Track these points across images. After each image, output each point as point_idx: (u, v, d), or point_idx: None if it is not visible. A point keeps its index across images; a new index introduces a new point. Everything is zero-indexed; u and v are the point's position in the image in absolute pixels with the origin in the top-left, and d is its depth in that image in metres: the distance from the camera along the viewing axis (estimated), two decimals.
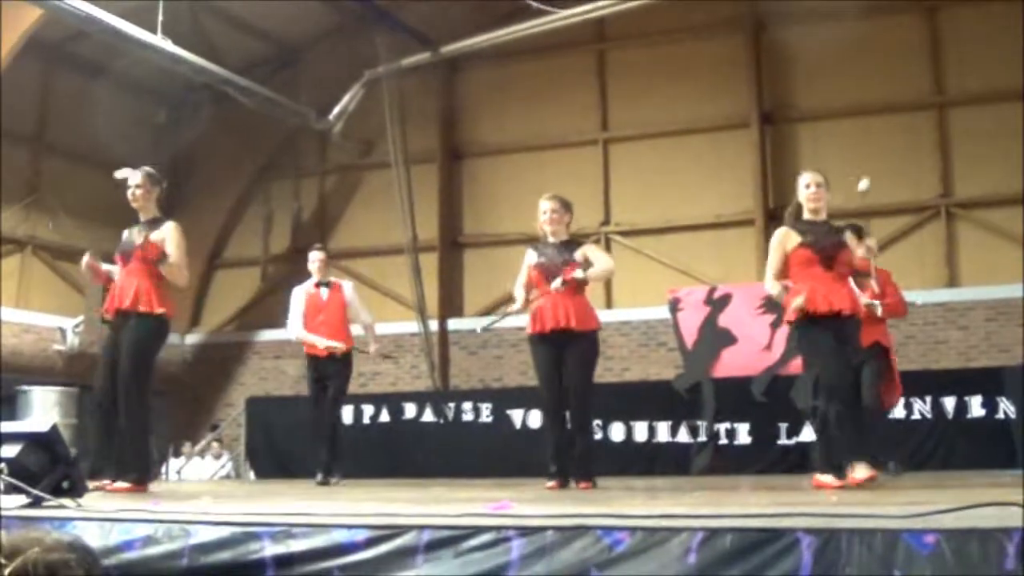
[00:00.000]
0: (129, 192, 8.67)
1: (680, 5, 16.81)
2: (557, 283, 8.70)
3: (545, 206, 9.22)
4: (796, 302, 7.73)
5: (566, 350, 8.86)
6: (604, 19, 18.00)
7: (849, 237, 8.38)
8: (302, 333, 11.37)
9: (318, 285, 11.36)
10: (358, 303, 11.50)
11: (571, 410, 8.91)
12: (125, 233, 8.74)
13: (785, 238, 8.12)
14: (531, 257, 9.19)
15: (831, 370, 7.71)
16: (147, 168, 8.89)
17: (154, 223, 8.57)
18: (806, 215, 8.25)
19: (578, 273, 8.75)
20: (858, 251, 9.66)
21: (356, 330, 11.67)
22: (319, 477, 10.93)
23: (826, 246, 7.98)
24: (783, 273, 8.12)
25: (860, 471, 7.34)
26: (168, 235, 8.44)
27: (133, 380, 8.24)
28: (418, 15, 18.64)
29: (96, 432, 9.10)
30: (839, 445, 7.61)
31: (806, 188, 8.38)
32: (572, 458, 8.84)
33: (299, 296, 11.43)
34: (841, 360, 7.74)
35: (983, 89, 17.03)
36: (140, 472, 8.21)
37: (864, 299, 9.53)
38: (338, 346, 11.11)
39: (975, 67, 17.10)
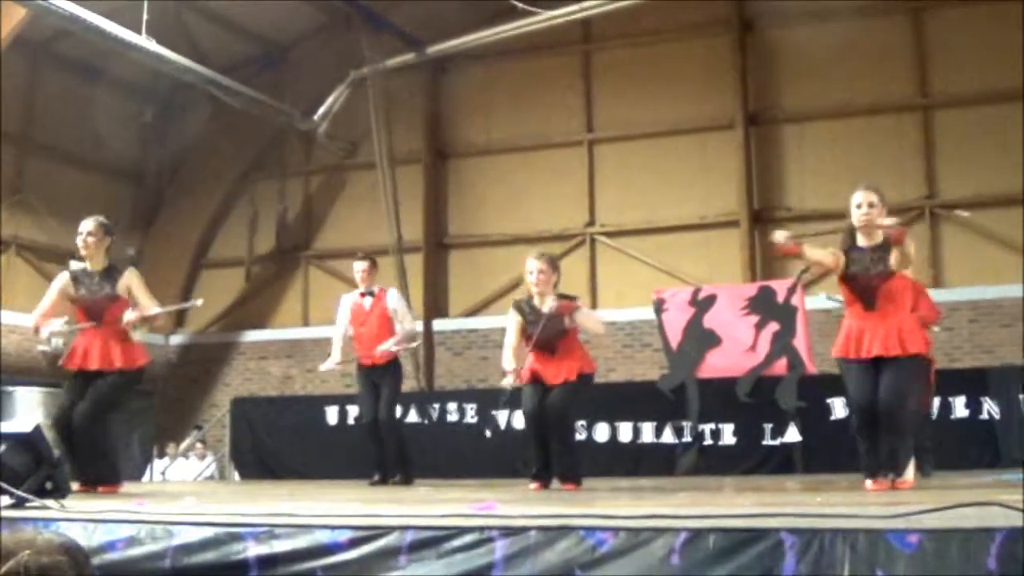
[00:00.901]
0: (80, 239, 8.61)
1: (666, 6, 16.83)
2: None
3: (532, 266, 9.04)
4: (834, 348, 7.59)
5: (552, 389, 8.94)
6: (590, 20, 18.01)
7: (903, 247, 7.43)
8: (335, 352, 11.48)
9: (363, 295, 11.28)
10: (402, 309, 11.33)
11: (550, 427, 8.90)
12: (67, 276, 8.69)
13: (836, 263, 7.70)
14: (515, 317, 9.10)
15: (856, 396, 7.41)
16: (99, 217, 8.86)
17: (109, 273, 8.58)
18: (858, 239, 7.66)
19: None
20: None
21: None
22: (375, 477, 10.89)
23: (868, 285, 7.47)
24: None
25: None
26: (134, 284, 8.53)
27: (92, 421, 8.33)
28: (404, 15, 18.63)
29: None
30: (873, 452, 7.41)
31: (857, 208, 7.68)
32: (553, 459, 8.88)
33: (345, 305, 11.39)
34: (869, 387, 7.31)
35: (968, 91, 17.07)
36: (107, 480, 8.32)
37: None
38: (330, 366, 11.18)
39: (960, 69, 17.15)
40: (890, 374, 7.27)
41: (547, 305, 8.82)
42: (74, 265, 8.87)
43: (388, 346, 10.92)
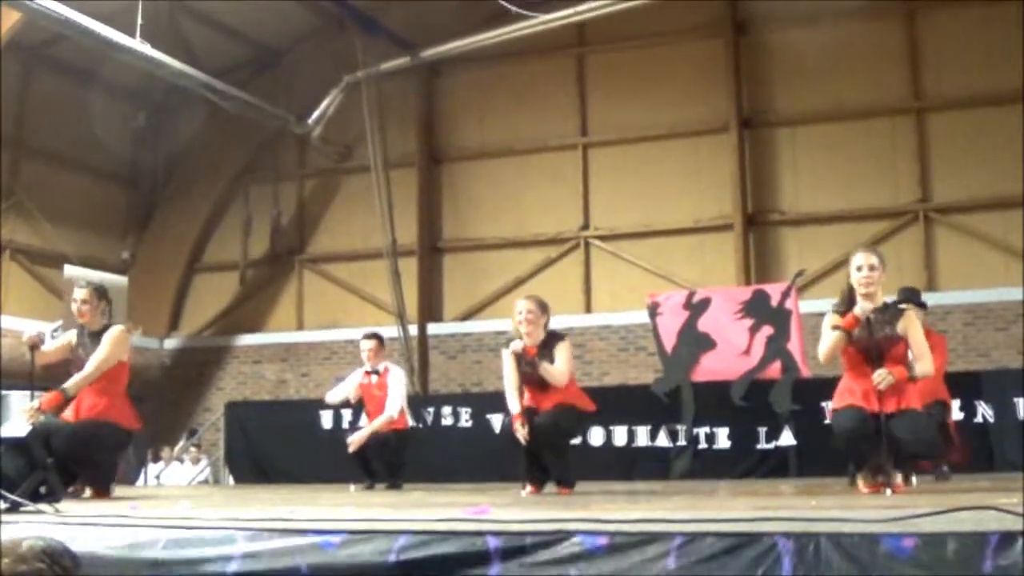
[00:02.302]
0: (75, 306, 8.70)
1: (659, 9, 16.82)
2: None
3: (521, 307, 9.03)
4: (837, 411, 7.44)
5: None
6: (584, 23, 18.00)
7: (909, 315, 7.47)
8: (333, 399, 11.92)
9: (368, 373, 11.40)
10: (395, 392, 11.40)
11: (542, 447, 8.83)
12: (75, 335, 8.78)
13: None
14: (509, 358, 9.01)
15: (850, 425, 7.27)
16: (93, 282, 8.96)
17: (101, 335, 8.56)
18: (859, 301, 7.42)
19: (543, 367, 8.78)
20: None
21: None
22: (366, 482, 11.01)
23: (875, 343, 7.34)
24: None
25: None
26: (104, 339, 8.45)
27: (71, 440, 8.10)
28: (398, 19, 18.62)
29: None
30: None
31: (857, 271, 7.46)
32: (549, 468, 8.89)
33: (354, 380, 11.58)
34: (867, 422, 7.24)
35: (961, 94, 17.09)
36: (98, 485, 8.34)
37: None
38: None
39: (953, 72, 17.17)
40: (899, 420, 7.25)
41: (513, 345, 8.81)
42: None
43: (363, 434, 11.10)
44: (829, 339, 7.41)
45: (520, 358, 8.81)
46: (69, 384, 8.37)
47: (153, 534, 4.66)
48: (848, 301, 7.51)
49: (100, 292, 8.74)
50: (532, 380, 8.90)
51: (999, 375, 14.11)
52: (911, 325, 7.47)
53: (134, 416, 8.69)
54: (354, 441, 11.11)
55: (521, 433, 8.67)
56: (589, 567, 3.99)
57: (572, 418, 9.00)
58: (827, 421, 7.94)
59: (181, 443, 18.97)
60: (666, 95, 18.54)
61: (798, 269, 15.38)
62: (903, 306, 7.76)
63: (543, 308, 9.05)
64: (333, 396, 11.84)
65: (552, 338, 9.05)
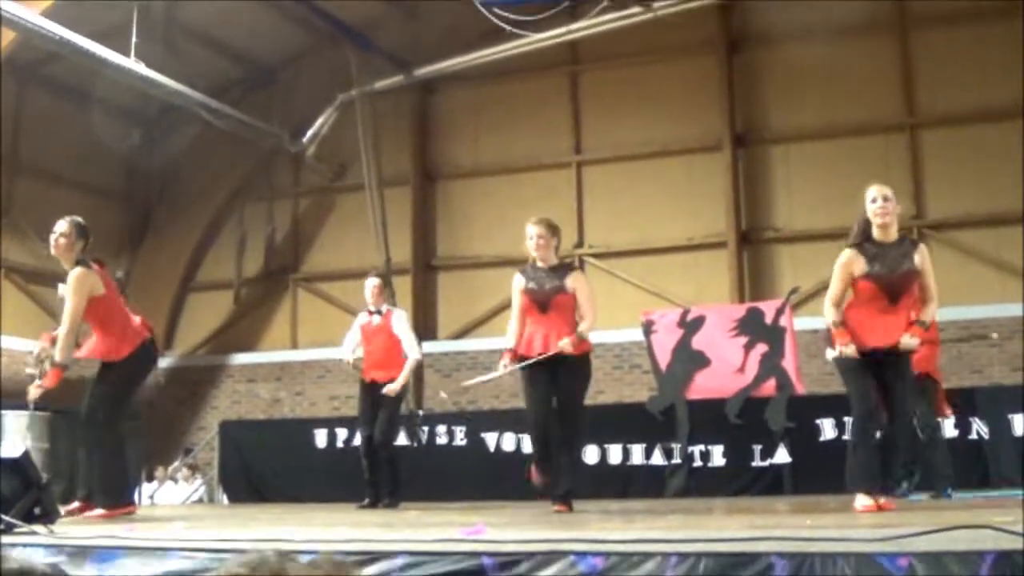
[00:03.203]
0: (52, 238, 8.54)
1: (653, 28, 16.85)
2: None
3: (531, 231, 8.93)
4: (846, 351, 7.42)
5: (559, 371, 8.68)
6: (577, 42, 18.06)
7: (924, 249, 7.68)
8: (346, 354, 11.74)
9: (371, 312, 11.41)
10: (407, 335, 11.41)
11: (563, 431, 8.73)
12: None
13: (851, 263, 7.53)
14: (519, 282, 8.91)
15: (862, 406, 7.45)
16: (76, 218, 8.72)
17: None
18: (875, 233, 7.59)
19: (564, 344, 8.55)
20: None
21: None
22: (365, 500, 10.98)
23: (895, 280, 7.50)
24: (843, 298, 7.64)
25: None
26: (66, 290, 8.38)
27: (92, 417, 8.38)
28: (392, 37, 18.67)
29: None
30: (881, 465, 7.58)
31: (872, 203, 7.68)
32: (556, 474, 8.73)
33: (356, 324, 11.58)
34: (873, 395, 7.48)
35: (955, 110, 17.12)
36: (110, 498, 8.25)
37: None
38: None
39: (947, 89, 17.20)
40: (901, 381, 7.51)
41: (558, 345, 8.56)
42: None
43: (395, 387, 11.05)
44: (838, 286, 7.58)
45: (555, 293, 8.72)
46: (56, 355, 8.41)
47: (149, 556, 4.65)
48: (862, 233, 7.64)
49: (81, 229, 8.60)
50: (543, 307, 8.76)
51: (994, 391, 14.13)
52: (926, 259, 7.66)
53: (138, 331, 8.70)
54: (392, 389, 11.05)
55: (505, 363, 8.71)
56: None
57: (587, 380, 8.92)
58: (832, 356, 7.84)
59: (176, 462, 18.94)
60: (660, 113, 18.57)
61: (792, 287, 15.41)
62: (917, 244, 7.80)
63: (553, 230, 9.00)
64: (345, 350, 11.77)
65: (564, 267, 9.04)
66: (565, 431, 8.74)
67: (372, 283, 11.49)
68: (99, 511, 8.09)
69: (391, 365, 11.22)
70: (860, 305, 7.58)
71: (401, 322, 11.43)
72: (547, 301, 8.74)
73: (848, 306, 7.63)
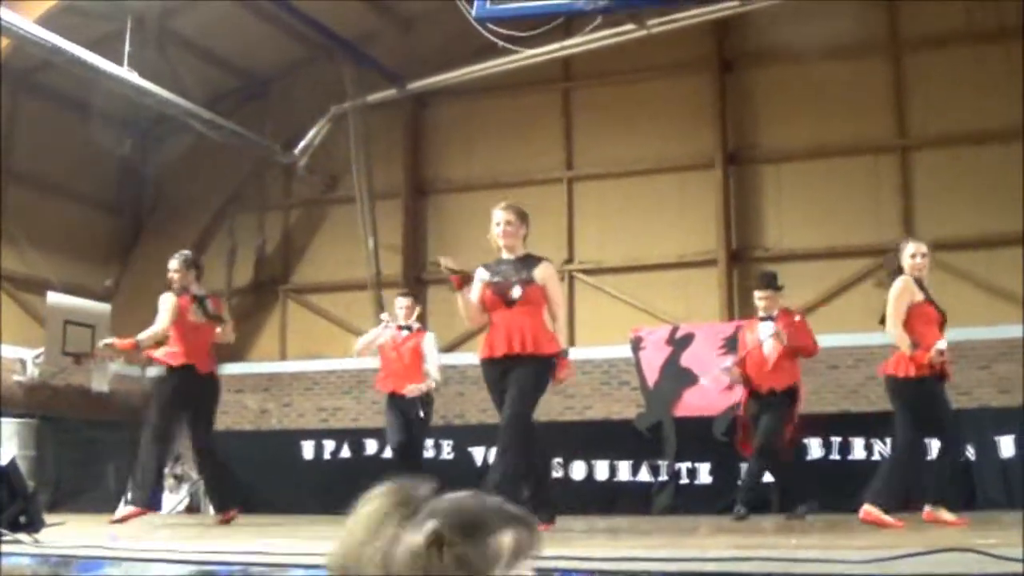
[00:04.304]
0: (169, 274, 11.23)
1: (646, 46, 16.88)
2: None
3: (498, 216, 8.43)
4: (934, 356, 8.53)
5: (510, 374, 8.08)
6: (570, 58, 18.08)
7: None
8: (359, 346, 12.21)
9: (400, 327, 11.55)
10: (433, 356, 11.58)
11: (499, 434, 8.04)
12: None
13: (911, 290, 8.85)
14: (482, 274, 8.38)
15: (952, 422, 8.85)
16: (185, 254, 11.52)
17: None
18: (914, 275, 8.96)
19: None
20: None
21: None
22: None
23: (940, 309, 8.97)
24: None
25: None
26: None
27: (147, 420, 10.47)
28: (385, 50, 18.68)
29: None
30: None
31: (911, 258, 9.09)
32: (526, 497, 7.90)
33: (385, 332, 11.68)
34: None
35: (945, 132, 17.14)
36: (135, 499, 10.00)
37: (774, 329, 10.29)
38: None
39: (938, 110, 17.23)
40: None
41: (514, 289, 8.16)
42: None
43: (420, 387, 11.16)
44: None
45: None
46: (141, 336, 10.97)
47: (132, 567, 4.65)
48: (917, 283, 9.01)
49: (189, 262, 11.06)
50: (506, 300, 8.17)
51: (980, 413, 14.15)
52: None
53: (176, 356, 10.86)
54: (411, 390, 11.11)
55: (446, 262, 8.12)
56: None
57: (542, 387, 8.22)
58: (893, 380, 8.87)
59: (166, 470, 18.87)
60: (652, 130, 18.59)
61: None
62: None
63: (522, 217, 8.58)
64: (360, 343, 11.88)
65: (532, 258, 8.45)
66: (500, 436, 8.05)
67: (403, 302, 11.76)
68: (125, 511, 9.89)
69: (413, 380, 11.34)
70: (920, 331, 8.84)
71: (431, 343, 11.56)
72: (511, 294, 8.17)
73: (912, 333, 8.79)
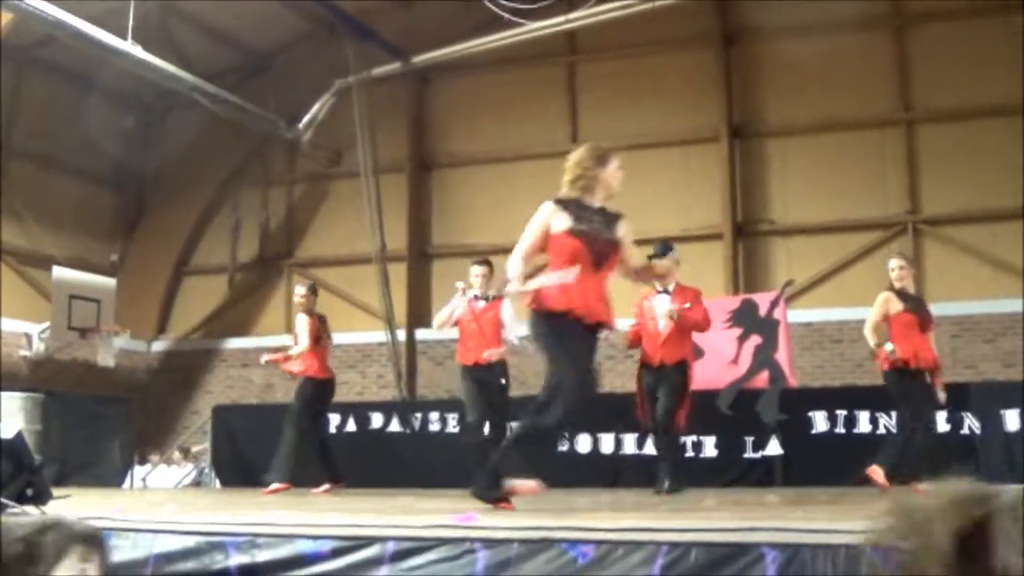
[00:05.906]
0: (295, 299, 13.05)
1: (651, 19, 16.82)
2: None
3: (618, 162, 7.48)
4: (889, 355, 10.05)
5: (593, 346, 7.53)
6: (575, 32, 18.03)
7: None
8: (437, 322, 12.16)
9: (477, 298, 11.49)
10: (512, 323, 11.47)
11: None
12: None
13: (888, 303, 10.23)
14: (563, 221, 7.33)
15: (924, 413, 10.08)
16: (310, 284, 13.39)
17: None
18: (896, 285, 10.30)
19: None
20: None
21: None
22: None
23: (922, 312, 10.35)
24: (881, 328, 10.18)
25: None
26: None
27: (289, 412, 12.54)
28: (389, 25, 18.63)
29: None
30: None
31: (891, 272, 10.47)
32: None
33: (461, 301, 11.55)
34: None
35: (950, 106, 17.11)
36: (278, 477, 12.01)
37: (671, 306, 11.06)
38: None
39: (943, 84, 17.20)
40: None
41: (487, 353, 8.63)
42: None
43: (499, 351, 11.12)
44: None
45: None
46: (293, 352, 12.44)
47: (140, 539, 4.66)
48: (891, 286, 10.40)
49: (314, 288, 12.76)
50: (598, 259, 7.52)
51: (986, 388, 14.14)
52: None
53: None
54: (491, 354, 11.19)
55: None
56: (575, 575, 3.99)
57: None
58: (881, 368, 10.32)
59: (176, 447, 18.93)
60: (656, 104, 18.56)
61: (787, 279, 15.42)
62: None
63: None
64: (438, 319, 11.97)
65: (608, 212, 7.77)
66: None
67: (478, 270, 11.56)
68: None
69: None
70: (900, 334, 10.27)
71: (509, 311, 11.46)
72: (606, 253, 7.57)
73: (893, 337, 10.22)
